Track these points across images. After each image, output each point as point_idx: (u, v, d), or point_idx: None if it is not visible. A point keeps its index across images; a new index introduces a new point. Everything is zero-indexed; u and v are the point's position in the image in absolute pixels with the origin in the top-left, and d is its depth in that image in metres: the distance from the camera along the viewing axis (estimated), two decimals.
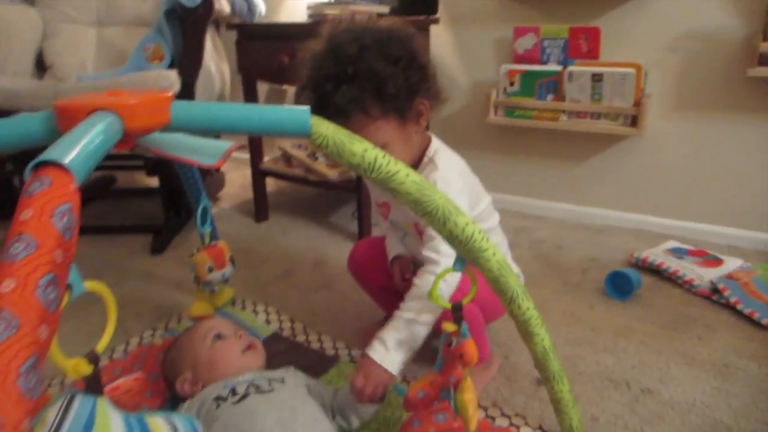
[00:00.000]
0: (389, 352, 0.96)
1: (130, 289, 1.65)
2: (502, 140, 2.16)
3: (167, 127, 0.68)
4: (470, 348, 0.85)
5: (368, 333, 1.35)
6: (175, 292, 1.63)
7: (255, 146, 2.09)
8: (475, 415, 0.85)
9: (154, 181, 2.10)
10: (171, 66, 1.94)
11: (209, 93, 2.04)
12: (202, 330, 1.08)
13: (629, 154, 1.93)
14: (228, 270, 1.27)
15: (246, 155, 2.15)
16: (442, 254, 1.02)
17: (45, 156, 0.48)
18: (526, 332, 0.88)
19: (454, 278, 1.00)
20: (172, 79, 1.79)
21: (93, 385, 0.51)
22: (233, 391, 0.93)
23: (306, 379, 1.05)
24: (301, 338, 1.33)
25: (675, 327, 1.38)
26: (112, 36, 2.24)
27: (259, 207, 2.16)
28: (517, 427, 1.02)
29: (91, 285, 0.50)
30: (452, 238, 0.79)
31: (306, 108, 0.70)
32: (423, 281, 1.02)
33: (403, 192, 0.75)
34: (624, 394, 1.15)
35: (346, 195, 2.38)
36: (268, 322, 1.39)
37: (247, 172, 2.40)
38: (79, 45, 2.21)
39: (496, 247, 0.83)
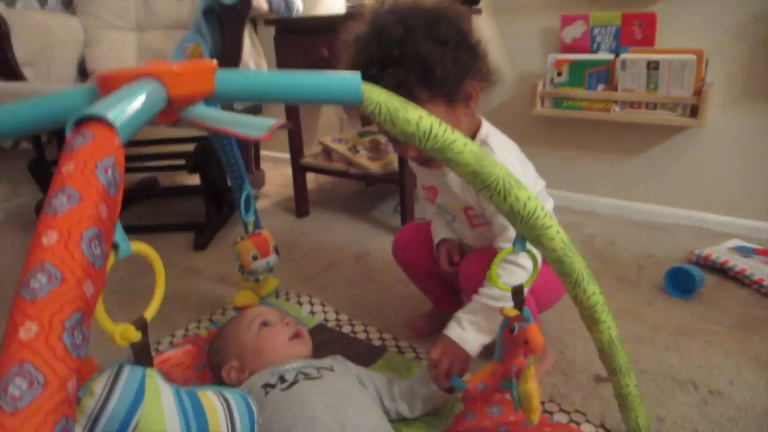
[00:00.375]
0: (465, 332, 0.97)
1: (174, 284, 1.65)
2: (550, 133, 2.08)
3: (212, 97, 0.66)
4: (535, 333, 0.80)
5: (416, 324, 1.31)
6: (219, 286, 1.61)
7: (295, 141, 2.08)
8: (539, 407, 0.80)
9: (195, 181, 2.10)
10: None
11: None
12: (248, 317, 1.06)
13: (688, 146, 1.83)
14: (272, 259, 1.24)
15: (285, 154, 2.14)
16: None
17: (87, 111, 0.45)
18: (591, 319, 0.82)
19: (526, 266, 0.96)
20: None
21: (142, 355, 0.48)
22: (282, 379, 0.90)
23: (355, 368, 1.01)
24: (346, 329, 1.29)
25: (744, 328, 1.28)
26: (152, 40, 2.27)
27: (300, 202, 2.14)
28: (578, 424, 0.95)
29: (137, 246, 0.48)
30: (513, 214, 0.74)
31: (357, 74, 0.66)
32: (502, 272, 0.98)
33: (461, 162, 0.71)
34: (691, 395, 1.07)
35: (388, 190, 2.35)
36: (312, 313, 1.36)
37: (287, 171, 2.40)
38: (119, 50, 2.25)
39: (560, 226, 0.77)
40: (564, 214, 2.00)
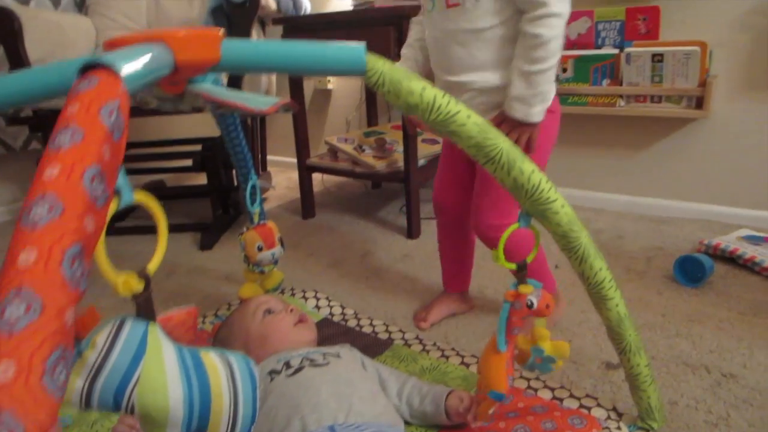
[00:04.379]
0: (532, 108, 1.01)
1: (180, 281, 1.65)
2: None
3: (218, 66, 0.66)
4: (549, 294, 0.81)
5: (420, 314, 1.30)
6: (224, 284, 1.61)
7: (301, 142, 2.08)
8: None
9: (202, 181, 2.10)
10: None
11: (255, 89, 2.05)
12: (252, 306, 1.05)
13: (694, 139, 1.82)
14: (277, 250, 1.23)
15: (291, 158, 2.14)
16: None
17: (93, 59, 0.45)
18: (598, 296, 0.81)
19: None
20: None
21: (145, 309, 0.47)
22: (287, 365, 0.89)
23: (361, 356, 1.00)
24: (352, 323, 1.28)
25: (755, 313, 1.27)
26: None
27: (306, 204, 2.14)
28: (588, 409, 0.93)
29: (140, 196, 0.47)
30: (517, 188, 0.73)
31: (361, 44, 0.66)
32: (539, 29, 0.96)
33: (464, 135, 0.70)
34: (704, 378, 1.05)
35: (393, 192, 2.35)
36: (318, 308, 1.35)
37: (293, 175, 2.40)
38: None
39: (565, 200, 0.77)
40: None
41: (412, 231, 1.85)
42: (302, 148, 2.09)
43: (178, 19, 2.27)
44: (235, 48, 0.65)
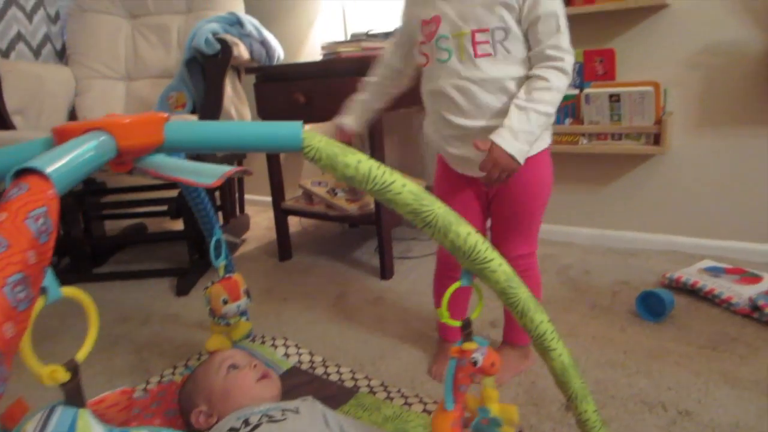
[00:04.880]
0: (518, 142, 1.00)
1: (154, 330, 1.66)
2: None
3: (162, 148, 0.69)
4: (495, 352, 0.83)
5: (435, 367, 1.33)
6: (198, 332, 1.62)
7: (276, 186, 2.12)
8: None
9: (181, 226, 2.12)
10: (193, 111, 2.00)
11: None
12: (216, 361, 1.07)
13: (654, 173, 1.88)
14: (243, 302, 1.26)
15: (270, 198, 2.18)
16: (564, 50, 1.01)
17: (26, 164, 0.49)
18: (541, 348, 0.84)
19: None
20: None
21: (74, 397, 0.50)
22: (246, 422, 0.91)
23: (323, 409, 1.01)
24: (320, 371, 1.30)
25: (714, 347, 1.30)
26: (140, 88, 2.34)
27: (283, 246, 2.17)
28: None
29: (68, 290, 0.50)
30: (455, 249, 0.77)
31: (298, 122, 0.70)
32: (549, 74, 1.00)
33: (400, 203, 0.74)
34: (660, 417, 1.08)
35: (368, 232, 2.38)
36: (287, 356, 1.36)
37: (272, 215, 2.43)
38: (108, 99, 2.32)
39: (502, 258, 0.80)
40: (541, 246, 2.00)
41: (385, 272, 1.88)
42: (277, 192, 2.13)
43: (156, 69, 2.33)
44: (177, 130, 0.69)
